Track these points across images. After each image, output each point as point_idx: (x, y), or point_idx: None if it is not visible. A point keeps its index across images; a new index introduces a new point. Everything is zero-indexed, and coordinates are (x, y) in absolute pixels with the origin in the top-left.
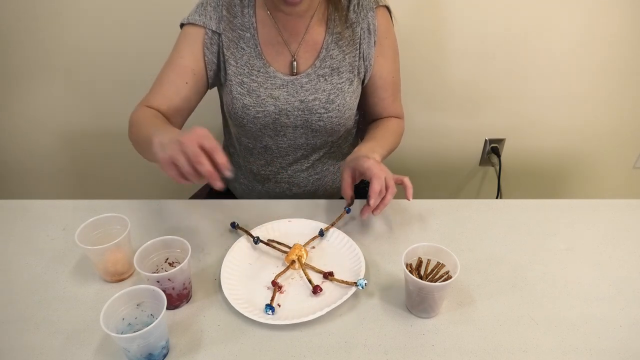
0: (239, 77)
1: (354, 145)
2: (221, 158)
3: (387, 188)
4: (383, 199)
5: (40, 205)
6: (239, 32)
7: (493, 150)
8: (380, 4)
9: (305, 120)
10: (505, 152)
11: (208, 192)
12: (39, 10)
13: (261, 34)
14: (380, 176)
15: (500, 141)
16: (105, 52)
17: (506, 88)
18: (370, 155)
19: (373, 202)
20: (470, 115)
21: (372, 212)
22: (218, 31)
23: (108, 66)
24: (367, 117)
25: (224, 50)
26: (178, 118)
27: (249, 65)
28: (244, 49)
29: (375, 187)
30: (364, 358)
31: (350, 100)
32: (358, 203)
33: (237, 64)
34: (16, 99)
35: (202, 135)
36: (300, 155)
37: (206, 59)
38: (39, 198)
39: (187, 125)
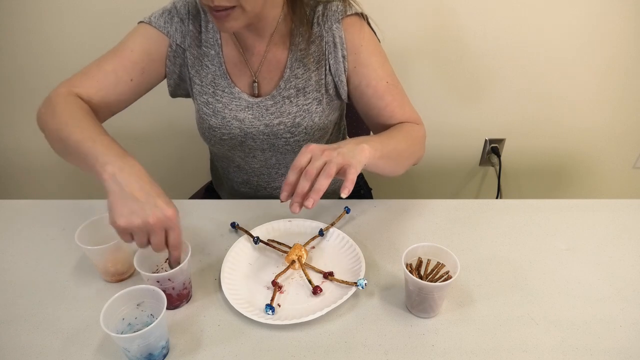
0: (204, 96)
1: None
2: (175, 256)
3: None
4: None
5: (40, 205)
6: (204, 48)
7: (493, 150)
8: (348, 13)
9: (272, 145)
10: (505, 152)
11: (204, 193)
12: (40, 12)
13: (225, 52)
14: (303, 152)
15: (500, 141)
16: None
17: (507, 88)
18: (342, 144)
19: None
20: (470, 115)
21: (303, 201)
22: (183, 46)
23: None
24: (378, 131)
25: (189, 68)
26: (106, 113)
27: (213, 85)
28: (208, 67)
29: (295, 162)
30: (364, 358)
31: (319, 120)
32: (357, 203)
33: (202, 82)
34: (16, 99)
35: (170, 225)
36: (275, 174)
37: (167, 69)
38: (39, 198)
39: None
